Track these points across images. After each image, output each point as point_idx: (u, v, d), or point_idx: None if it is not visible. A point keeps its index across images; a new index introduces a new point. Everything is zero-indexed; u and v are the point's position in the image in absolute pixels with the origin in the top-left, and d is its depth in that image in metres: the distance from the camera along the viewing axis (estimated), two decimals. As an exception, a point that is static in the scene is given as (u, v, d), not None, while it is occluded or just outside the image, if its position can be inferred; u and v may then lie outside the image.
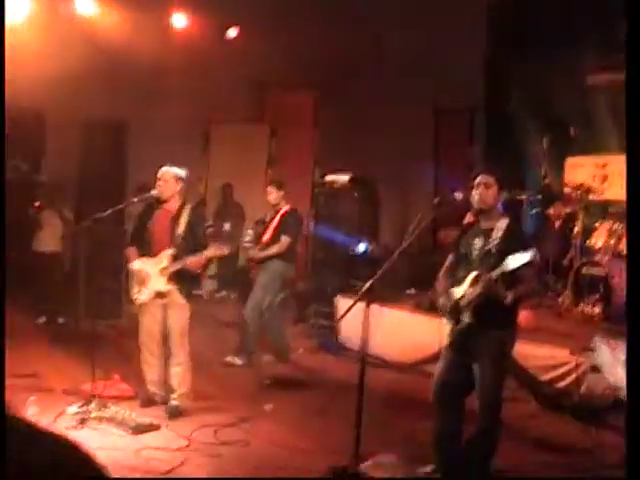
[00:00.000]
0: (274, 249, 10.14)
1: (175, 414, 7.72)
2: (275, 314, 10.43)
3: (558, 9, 12.59)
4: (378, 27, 15.31)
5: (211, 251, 7.83)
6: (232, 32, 14.73)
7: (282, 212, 10.43)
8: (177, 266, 7.75)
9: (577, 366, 7.18)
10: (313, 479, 6.24)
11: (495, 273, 5.69)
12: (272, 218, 10.46)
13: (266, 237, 10.33)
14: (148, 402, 8.08)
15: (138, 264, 7.97)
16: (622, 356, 4.50)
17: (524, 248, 5.61)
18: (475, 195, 6.14)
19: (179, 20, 14.18)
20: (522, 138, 13.56)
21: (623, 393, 4.09)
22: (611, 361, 4.43)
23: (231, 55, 14.25)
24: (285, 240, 10.16)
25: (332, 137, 15.35)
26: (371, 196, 13.29)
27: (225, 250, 8.01)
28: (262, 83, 16.47)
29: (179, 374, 7.90)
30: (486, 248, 6.05)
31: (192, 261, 7.74)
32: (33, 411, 7.00)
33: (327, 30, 14.56)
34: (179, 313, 7.93)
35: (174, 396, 7.86)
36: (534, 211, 12.30)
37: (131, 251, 8.12)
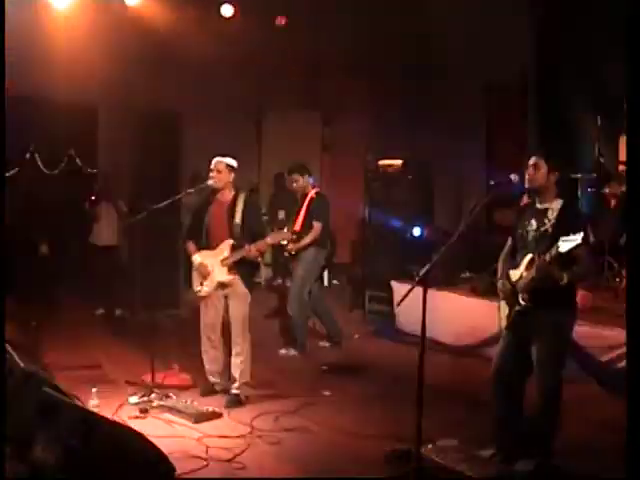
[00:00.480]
0: (308, 238, 10.11)
1: (236, 404, 7.76)
2: (320, 300, 10.45)
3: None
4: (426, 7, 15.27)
5: (272, 237, 7.88)
6: (281, 20, 14.73)
7: (309, 198, 10.35)
8: (238, 255, 7.80)
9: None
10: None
11: (548, 256, 5.66)
12: (300, 205, 10.37)
13: (297, 226, 10.23)
14: (209, 392, 8.14)
15: (199, 257, 8.02)
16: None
17: (579, 229, 5.56)
18: (527, 176, 6.12)
19: (227, 10, 14.21)
20: (575, 116, 13.41)
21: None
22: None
23: (281, 43, 14.27)
24: (317, 226, 10.13)
25: (384, 122, 15.31)
26: (424, 179, 13.25)
27: (287, 235, 8.06)
28: (313, 70, 16.45)
29: (241, 364, 7.93)
30: (542, 229, 6.02)
31: (254, 248, 7.77)
32: (96, 402, 7.08)
33: (374, 14, 14.53)
34: (240, 302, 7.97)
35: (235, 385, 7.90)
36: (590, 190, 12.18)
37: (190, 245, 8.18)
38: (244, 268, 7.93)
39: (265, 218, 12.09)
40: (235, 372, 7.93)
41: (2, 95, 8.32)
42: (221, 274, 7.87)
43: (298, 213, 10.33)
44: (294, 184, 10.45)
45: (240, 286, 7.93)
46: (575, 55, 13.24)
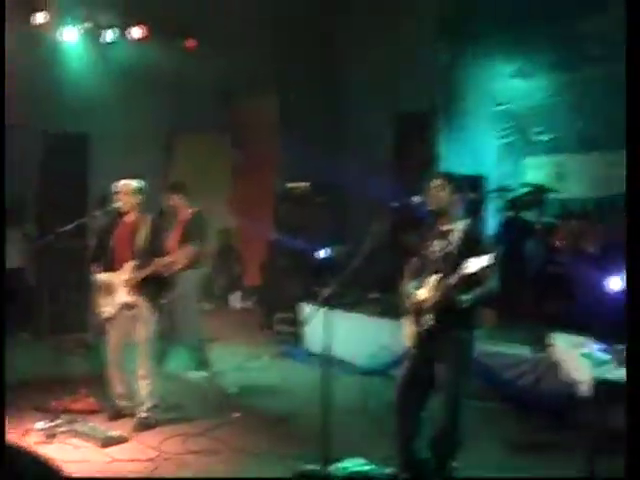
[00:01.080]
0: (180, 263, 9.30)
1: (145, 427, 7.72)
2: (198, 324, 10.23)
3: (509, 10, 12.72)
4: (333, 33, 15.47)
5: (175, 255, 7.85)
6: (191, 43, 14.77)
7: (185, 218, 10.10)
8: (141, 274, 7.78)
9: (537, 363, 7.29)
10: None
11: (453, 279, 5.78)
12: (175, 226, 10.04)
13: (170, 246, 9.32)
14: (116, 415, 8.09)
15: (103, 278, 7.99)
16: (580, 351, 4.59)
17: (483, 250, 5.69)
18: (430, 198, 6.25)
19: (137, 32, 14.21)
20: (480, 140, 13.68)
21: (581, 388, 4.18)
22: (569, 357, 4.53)
23: (192, 65, 14.29)
24: (189, 249, 9.56)
25: (294, 145, 15.39)
26: (334, 202, 13.36)
27: (190, 250, 8.02)
28: (223, 92, 16.49)
29: (147, 386, 7.90)
30: (446, 250, 6.12)
31: (157, 264, 7.78)
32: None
33: (284, 39, 14.67)
34: (145, 325, 7.92)
35: (143, 409, 7.86)
36: (495, 212, 12.43)
37: (94, 267, 8.15)
38: (148, 290, 7.91)
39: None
40: (142, 395, 7.89)
41: (2, 95, 8.21)
42: (124, 295, 7.85)
43: (172, 234, 9.77)
44: (169, 202, 10.24)
45: (144, 308, 7.90)
46: (479, 80, 13.54)
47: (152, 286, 7.94)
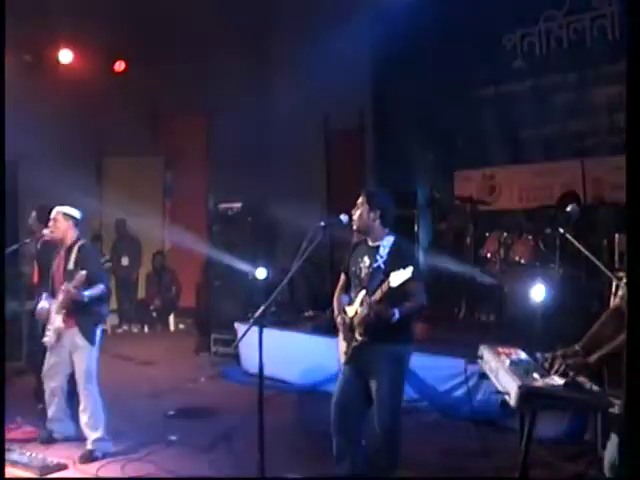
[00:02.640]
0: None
1: (90, 459, 7.58)
2: None
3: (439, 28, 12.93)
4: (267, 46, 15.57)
5: (76, 280, 7.61)
6: (119, 66, 14.77)
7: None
8: (62, 298, 7.68)
9: (467, 376, 7.39)
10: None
11: (376, 295, 5.86)
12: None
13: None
14: (47, 440, 8.04)
15: (42, 304, 7.93)
16: (507, 361, 4.67)
17: (407, 264, 5.77)
18: (354, 215, 6.34)
19: (66, 55, 14.18)
20: (411, 154, 13.84)
21: (508, 398, 4.27)
22: (496, 367, 4.62)
23: (121, 88, 14.27)
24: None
25: (224, 166, 15.42)
26: (265, 221, 13.40)
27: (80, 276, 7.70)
28: (153, 115, 16.49)
29: (88, 419, 7.78)
30: (374, 266, 6.19)
31: (69, 286, 7.58)
32: None
33: (213, 55, 14.71)
34: (81, 356, 7.79)
35: (88, 441, 7.77)
36: (428, 225, 12.59)
37: (39, 293, 8.09)
38: (82, 319, 7.79)
39: (109, 265, 11.93)
40: (85, 429, 7.79)
41: (2, 95, 8.08)
42: (57, 321, 7.76)
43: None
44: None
45: (79, 338, 7.77)
46: (409, 95, 13.71)
47: (85, 316, 7.80)
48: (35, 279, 8.35)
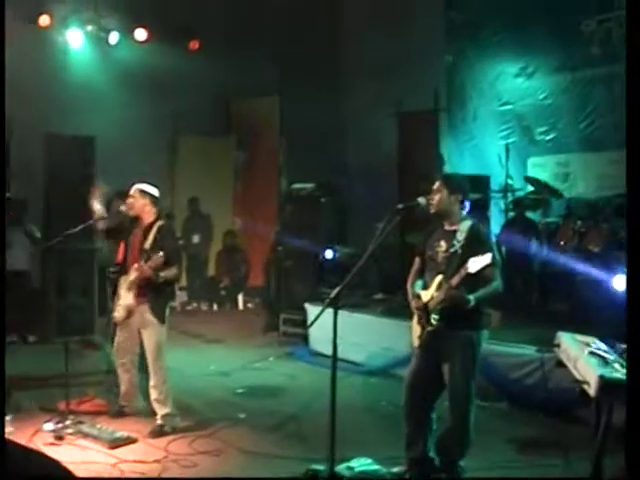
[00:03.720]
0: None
1: (160, 434, 7.64)
2: None
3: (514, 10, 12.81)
4: (339, 28, 15.53)
5: (152, 261, 7.61)
6: (193, 45, 14.84)
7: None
8: (135, 276, 7.73)
9: (543, 363, 7.30)
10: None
11: (456, 279, 5.80)
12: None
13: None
14: (117, 414, 8.15)
15: (116, 281, 7.99)
16: (586, 351, 4.60)
17: (485, 250, 5.72)
18: (431, 199, 6.28)
19: (141, 34, 14.28)
20: (485, 138, 13.74)
21: (587, 387, 4.19)
22: (575, 356, 4.54)
23: (195, 67, 14.31)
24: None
25: (297, 146, 15.42)
26: (338, 203, 13.36)
27: (158, 258, 7.60)
28: (227, 94, 16.54)
29: (159, 395, 7.84)
30: (451, 251, 6.14)
31: (145, 266, 7.63)
32: (10, 429, 7.02)
33: (285, 34, 14.73)
34: (151, 333, 7.85)
35: (157, 417, 7.84)
36: (500, 212, 12.48)
37: (113, 269, 8.15)
38: (153, 297, 7.83)
39: (180, 243, 12.01)
40: (154, 405, 7.86)
41: (2, 95, 8.18)
42: (127, 298, 7.83)
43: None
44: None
45: (149, 315, 7.81)
46: (483, 80, 13.61)
47: (156, 293, 7.86)
48: (120, 256, 8.34)
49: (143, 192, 7.95)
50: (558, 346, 5.10)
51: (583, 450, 4.97)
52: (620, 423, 5.15)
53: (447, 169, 12.79)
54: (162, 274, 7.67)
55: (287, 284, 12.97)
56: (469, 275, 5.73)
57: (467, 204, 6.36)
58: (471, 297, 5.88)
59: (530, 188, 12.16)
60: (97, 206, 8.33)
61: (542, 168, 13.00)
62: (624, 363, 4.50)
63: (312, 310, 11.23)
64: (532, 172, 12.98)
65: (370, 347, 10.40)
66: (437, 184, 6.31)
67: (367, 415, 8.41)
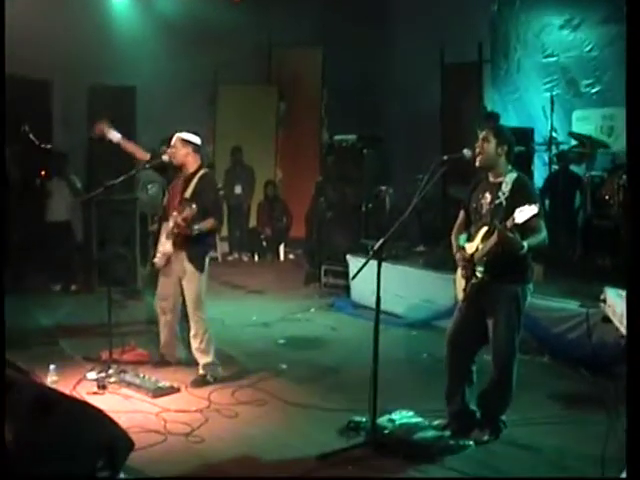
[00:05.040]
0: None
1: (202, 384, 7.68)
2: None
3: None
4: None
5: (185, 214, 7.53)
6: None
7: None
8: (172, 225, 7.67)
9: (587, 318, 7.24)
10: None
11: (509, 223, 5.72)
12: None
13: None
14: (160, 363, 8.22)
15: (155, 229, 8.02)
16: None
17: (532, 201, 5.66)
18: (477, 150, 6.20)
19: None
20: (529, 90, 13.59)
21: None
22: (621, 311, 4.48)
23: (237, 16, 14.25)
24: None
25: (339, 97, 15.34)
26: (380, 154, 13.28)
27: (190, 210, 7.52)
28: (269, 43, 16.46)
29: (200, 344, 7.87)
30: (496, 202, 6.09)
31: (179, 217, 7.56)
32: (54, 378, 7.08)
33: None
34: (190, 282, 7.84)
35: (200, 366, 7.88)
36: (544, 165, 12.36)
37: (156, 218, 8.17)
38: (191, 247, 7.77)
39: (221, 193, 12.00)
40: (196, 354, 7.90)
41: (2, 93, 8.20)
42: (166, 246, 7.81)
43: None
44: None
45: (187, 264, 7.79)
46: (527, 31, 13.46)
47: (194, 243, 7.76)
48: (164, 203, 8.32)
49: (184, 141, 7.89)
50: (604, 301, 5.04)
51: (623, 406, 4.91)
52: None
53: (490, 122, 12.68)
54: (196, 227, 7.59)
55: (328, 235, 12.93)
56: (516, 225, 5.66)
57: (513, 156, 6.28)
58: (525, 243, 5.82)
59: (574, 142, 12.02)
60: (112, 133, 8.33)
61: (587, 121, 12.82)
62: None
63: (354, 262, 11.23)
64: (577, 125, 12.82)
65: (411, 299, 10.38)
66: (484, 134, 6.21)
67: (408, 367, 8.41)
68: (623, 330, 4.34)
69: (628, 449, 3.96)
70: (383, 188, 12.49)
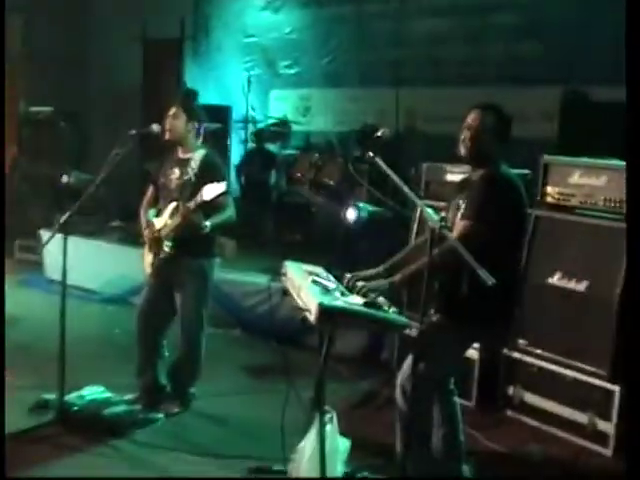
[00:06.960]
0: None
1: None
2: None
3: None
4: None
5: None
6: None
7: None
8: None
9: (270, 291, 7.47)
10: None
11: (192, 203, 5.84)
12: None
13: None
14: None
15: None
16: (309, 279, 4.73)
17: (220, 178, 5.81)
18: (166, 125, 6.29)
19: None
20: (229, 69, 13.82)
21: (309, 315, 4.32)
22: (298, 285, 4.67)
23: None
24: None
25: (37, 69, 14.94)
26: (78, 128, 13.10)
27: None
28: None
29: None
30: (185, 178, 6.20)
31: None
32: None
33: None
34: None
35: None
36: (240, 142, 12.64)
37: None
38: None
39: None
40: None
41: (2, 92, 7.37)
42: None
43: None
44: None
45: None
46: (226, 12, 13.70)
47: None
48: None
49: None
50: (285, 275, 5.23)
51: (309, 376, 5.13)
52: (338, 349, 5.41)
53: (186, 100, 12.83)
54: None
55: (23, 209, 12.60)
56: (204, 202, 5.78)
57: (202, 132, 6.40)
58: (207, 223, 5.96)
59: (271, 120, 12.34)
60: None
61: (284, 101, 13.23)
62: (345, 291, 4.69)
63: (46, 236, 11.00)
64: (274, 104, 13.19)
65: (106, 275, 10.31)
66: (174, 110, 6.31)
67: (101, 343, 8.36)
68: (300, 302, 4.52)
69: (629, 449, 4.12)
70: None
